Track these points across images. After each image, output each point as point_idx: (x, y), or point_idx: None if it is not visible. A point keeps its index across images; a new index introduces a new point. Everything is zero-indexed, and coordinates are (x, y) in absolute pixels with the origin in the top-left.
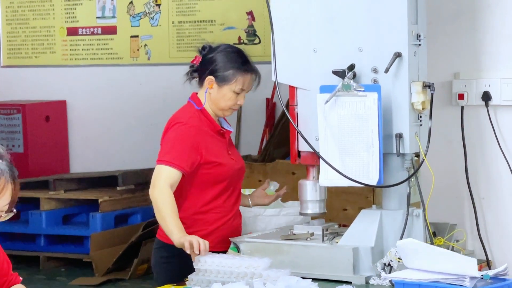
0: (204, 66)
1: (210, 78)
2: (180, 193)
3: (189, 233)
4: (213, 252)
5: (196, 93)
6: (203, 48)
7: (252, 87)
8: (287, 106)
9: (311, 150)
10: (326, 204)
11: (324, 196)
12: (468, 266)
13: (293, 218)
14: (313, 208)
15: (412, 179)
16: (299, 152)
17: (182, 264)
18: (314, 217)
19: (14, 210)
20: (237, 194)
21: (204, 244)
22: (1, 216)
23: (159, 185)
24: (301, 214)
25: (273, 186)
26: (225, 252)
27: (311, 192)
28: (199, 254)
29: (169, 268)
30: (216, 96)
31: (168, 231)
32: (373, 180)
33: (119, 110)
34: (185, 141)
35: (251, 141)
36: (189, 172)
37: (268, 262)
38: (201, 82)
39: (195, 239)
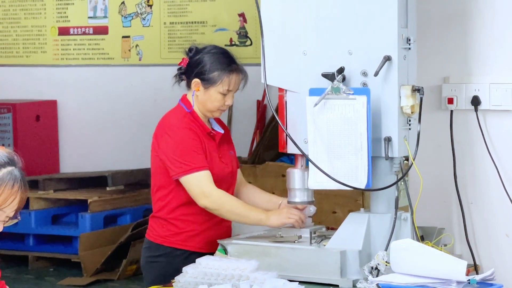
0: (191, 69)
1: (196, 80)
2: (170, 193)
3: (179, 233)
4: (200, 253)
5: (186, 95)
6: (190, 50)
7: (240, 87)
8: (277, 108)
9: (300, 153)
10: (316, 206)
11: None
12: (457, 269)
13: None
14: (301, 196)
15: (401, 183)
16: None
17: (171, 263)
18: (301, 206)
19: (19, 217)
20: None
21: (300, 215)
22: (6, 221)
23: (208, 191)
24: (289, 202)
25: (312, 209)
26: (212, 253)
27: (299, 181)
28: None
29: (158, 268)
30: (203, 98)
31: (258, 222)
32: (361, 183)
33: (110, 110)
34: (189, 143)
35: (242, 143)
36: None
37: (255, 265)
38: (188, 84)
39: (293, 215)
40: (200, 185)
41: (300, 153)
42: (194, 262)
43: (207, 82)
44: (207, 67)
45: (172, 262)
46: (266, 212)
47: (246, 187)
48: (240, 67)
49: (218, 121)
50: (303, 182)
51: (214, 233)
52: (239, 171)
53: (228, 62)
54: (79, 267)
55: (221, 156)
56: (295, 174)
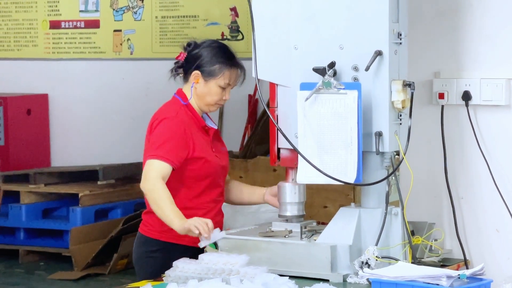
0: (190, 62)
1: (196, 72)
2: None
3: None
4: (196, 248)
5: (182, 89)
6: (188, 44)
7: (238, 83)
8: (268, 103)
9: (291, 147)
10: (307, 201)
11: (303, 199)
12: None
13: (272, 215)
14: (291, 210)
15: (392, 178)
16: (279, 150)
17: (164, 258)
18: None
19: None
20: (220, 191)
21: (207, 224)
22: None
23: (151, 177)
24: (279, 216)
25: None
26: (203, 248)
27: (290, 194)
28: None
29: (151, 263)
30: (203, 91)
31: (168, 220)
32: (351, 178)
33: (101, 104)
34: (175, 135)
35: (233, 137)
36: (178, 167)
37: (246, 259)
38: (186, 77)
39: (197, 222)
40: (151, 170)
41: (290, 159)
42: (189, 256)
43: (208, 74)
44: (208, 59)
45: (169, 256)
46: (181, 216)
47: (232, 184)
48: (239, 62)
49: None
50: (294, 196)
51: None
52: None
53: (228, 56)
54: (70, 261)
55: (215, 150)
56: (286, 188)
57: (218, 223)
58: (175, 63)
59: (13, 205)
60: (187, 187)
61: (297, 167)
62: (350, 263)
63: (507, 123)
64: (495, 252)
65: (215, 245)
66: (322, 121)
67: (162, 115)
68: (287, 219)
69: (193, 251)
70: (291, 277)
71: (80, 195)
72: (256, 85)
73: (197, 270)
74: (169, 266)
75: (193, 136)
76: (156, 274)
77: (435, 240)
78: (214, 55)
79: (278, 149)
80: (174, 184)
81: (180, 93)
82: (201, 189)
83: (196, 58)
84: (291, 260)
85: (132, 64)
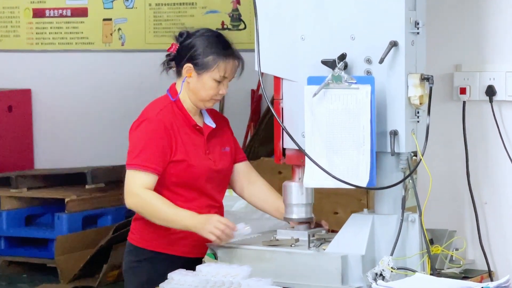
0: (182, 54)
1: (188, 65)
2: None
3: (163, 236)
4: (187, 258)
5: (175, 84)
6: (180, 34)
7: (235, 75)
8: (272, 99)
9: (297, 148)
10: (315, 206)
11: (311, 200)
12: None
13: (277, 222)
14: (298, 212)
15: (408, 181)
16: (283, 150)
17: (154, 269)
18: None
19: None
20: (215, 198)
21: (228, 225)
22: None
23: (134, 192)
24: (285, 219)
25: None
26: (201, 258)
27: (297, 195)
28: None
29: (141, 273)
30: (196, 85)
31: (181, 227)
32: (363, 181)
33: (89, 100)
34: (153, 139)
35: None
36: (162, 172)
37: (248, 270)
38: (179, 71)
39: (215, 230)
40: (134, 183)
41: (297, 157)
42: (180, 267)
43: (200, 67)
44: (200, 50)
45: (156, 267)
46: (193, 217)
47: (253, 186)
48: (236, 52)
49: (214, 113)
50: (301, 196)
51: (201, 236)
52: (244, 165)
53: (223, 46)
54: (56, 273)
55: (209, 152)
56: (292, 188)
57: None
58: (167, 55)
59: None
60: (171, 192)
61: (304, 166)
62: (363, 275)
63: None
64: None
65: (214, 255)
66: (332, 118)
67: (142, 117)
68: (293, 226)
69: (184, 261)
70: None
71: (66, 200)
72: (259, 79)
73: (195, 282)
74: (156, 277)
75: (176, 136)
76: (143, 285)
77: (456, 249)
78: (207, 45)
79: (283, 149)
80: (157, 189)
81: (172, 89)
82: (187, 195)
83: (189, 50)
84: (297, 271)
85: (123, 56)
